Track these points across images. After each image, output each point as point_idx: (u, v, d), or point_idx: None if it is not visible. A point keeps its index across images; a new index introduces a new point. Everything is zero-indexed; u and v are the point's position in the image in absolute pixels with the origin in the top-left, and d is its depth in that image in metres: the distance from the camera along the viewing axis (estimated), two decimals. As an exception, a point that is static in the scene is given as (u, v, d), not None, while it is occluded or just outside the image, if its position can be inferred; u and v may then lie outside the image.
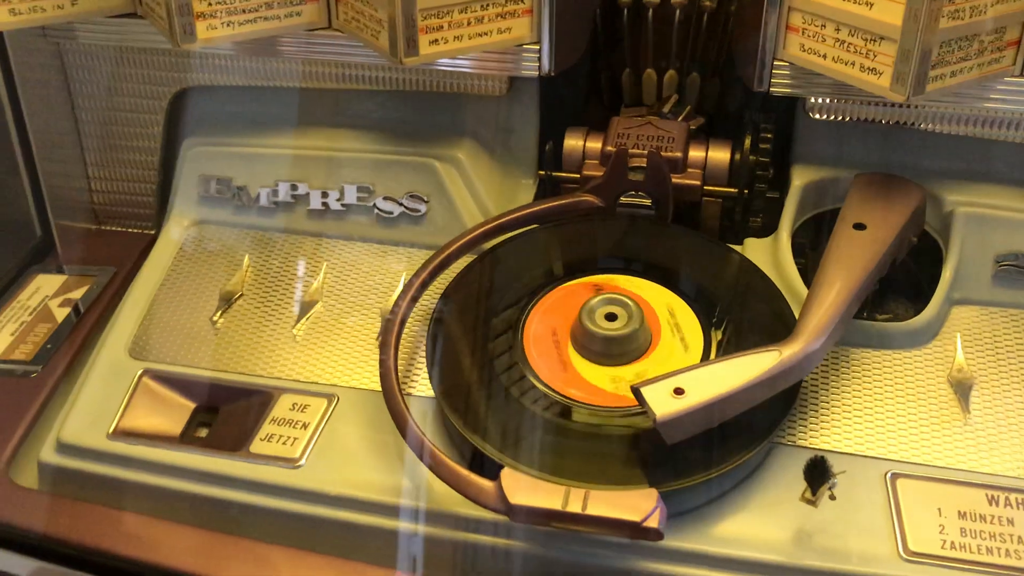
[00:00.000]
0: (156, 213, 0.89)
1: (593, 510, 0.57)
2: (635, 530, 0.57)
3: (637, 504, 0.58)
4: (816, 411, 0.67)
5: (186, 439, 0.69)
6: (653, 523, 0.57)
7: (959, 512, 0.61)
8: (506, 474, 0.60)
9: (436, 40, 0.72)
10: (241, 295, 0.78)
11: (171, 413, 0.71)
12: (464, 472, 0.60)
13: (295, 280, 0.79)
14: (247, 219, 0.83)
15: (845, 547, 0.60)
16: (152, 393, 0.72)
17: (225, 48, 0.80)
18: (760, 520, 0.62)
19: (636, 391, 0.61)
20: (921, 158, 0.76)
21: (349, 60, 0.79)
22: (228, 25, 0.75)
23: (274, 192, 0.82)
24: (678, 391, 0.61)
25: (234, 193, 0.83)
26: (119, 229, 0.91)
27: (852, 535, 0.61)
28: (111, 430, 0.69)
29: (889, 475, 0.63)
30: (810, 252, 0.78)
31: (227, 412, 0.71)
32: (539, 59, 0.76)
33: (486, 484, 0.60)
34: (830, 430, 0.66)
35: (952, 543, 0.60)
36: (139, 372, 0.72)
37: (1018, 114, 0.72)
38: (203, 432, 0.70)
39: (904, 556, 0.60)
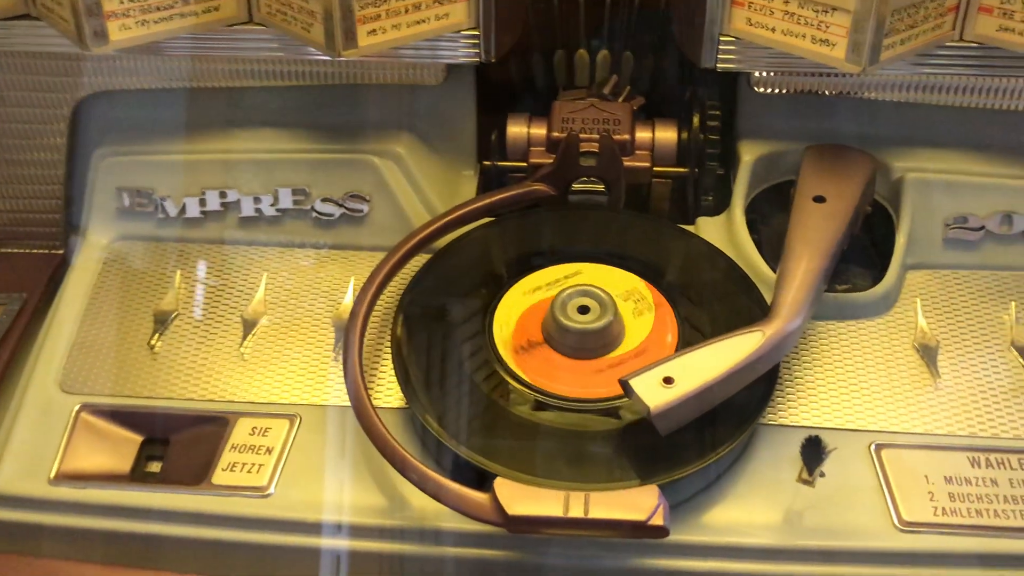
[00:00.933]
0: (63, 231, 0.81)
1: (596, 513, 0.55)
2: (640, 529, 0.55)
3: (639, 502, 0.56)
4: (792, 388, 0.67)
5: (138, 476, 0.64)
6: (658, 520, 0.55)
7: (945, 477, 0.62)
8: (500, 484, 0.57)
9: (375, 30, 0.68)
10: (177, 314, 0.72)
11: (117, 450, 0.65)
12: (454, 486, 0.57)
13: (235, 294, 0.74)
14: (173, 232, 0.77)
15: (842, 524, 0.60)
16: (93, 429, 0.66)
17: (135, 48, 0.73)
18: (756, 505, 0.61)
19: (625, 384, 0.60)
20: (866, 127, 0.76)
21: (274, 56, 0.74)
22: (143, 24, 0.69)
23: (201, 201, 0.76)
24: (667, 380, 0.59)
25: (156, 205, 0.77)
26: (21, 251, 0.83)
27: (847, 511, 0.60)
28: (52, 475, 0.63)
29: (873, 447, 0.63)
30: (762, 227, 0.77)
31: (179, 443, 0.65)
32: (479, 45, 0.73)
33: (479, 496, 0.57)
34: (808, 406, 0.66)
35: (943, 509, 0.60)
36: (75, 408, 0.66)
37: (958, 78, 0.73)
38: (155, 467, 0.65)
39: (900, 527, 0.60)
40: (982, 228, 0.74)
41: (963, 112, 0.75)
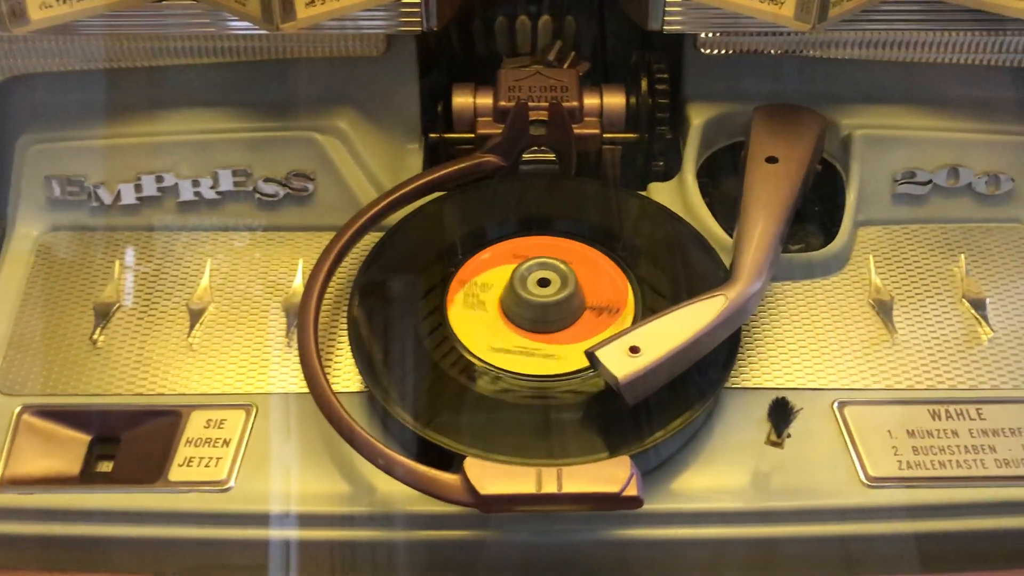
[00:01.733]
0: (-15, 225, 0.77)
1: (570, 488, 0.55)
2: (615, 501, 0.55)
3: (612, 474, 0.55)
4: (753, 350, 0.67)
5: (88, 477, 0.61)
6: (632, 491, 0.55)
7: (908, 431, 0.63)
8: (470, 464, 0.56)
9: (313, 1, 0.66)
10: (119, 306, 0.69)
11: (64, 451, 0.62)
12: (424, 469, 0.56)
13: (178, 283, 0.71)
14: (109, 220, 0.74)
15: (810, 483, 0.60)
16: (37, 431, 0.63)
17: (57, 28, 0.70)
18: (725, 469, 0.61)
19: (591, 355, 0.59)
20: (814, 85, 0.76)
21: (205, 31, 0.71)
22: (64, 2, 0.65)
23: (137, 187, 0.73)
24: (634, 349, 0.59)
25: (89, 193, 0.73)
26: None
27: (814, 470, 0.61)
28: (-4, 481, 0.60)
29: (836, 404, 0.64)
30: (714, 190, 0.77)
31: (131, 441, 0.63)
32: (419, 14, 0.71)
33: (450, 478, 0.56)
34: (770, 367, 0.66)
35: (908, 462, 0.61)
36: (16, 410, 0.63)
37: (904, 34, 0.73)
38: (107, 467, 0.62)
39: (867, 483, 0.60)
40: (930, 182, 0.74)
41: (909, 67, 0.75)
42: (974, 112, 0.76)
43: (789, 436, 0.62)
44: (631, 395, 0.58)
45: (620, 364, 0.58)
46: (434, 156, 0.79)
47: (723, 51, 0.75)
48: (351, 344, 0.64)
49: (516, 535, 0.59)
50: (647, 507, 0.58)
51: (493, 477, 0.55)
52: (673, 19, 0.71)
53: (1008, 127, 0.75)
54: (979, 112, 0.75)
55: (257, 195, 0.74)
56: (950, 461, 0.61)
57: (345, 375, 0.65)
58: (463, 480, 0.55)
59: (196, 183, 0.73)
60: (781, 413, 0.58)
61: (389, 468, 0.57)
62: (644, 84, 0.76)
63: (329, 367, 0.66)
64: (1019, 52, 0.74)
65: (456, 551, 0.59)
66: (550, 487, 0.55)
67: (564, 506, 0.55)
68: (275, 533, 0.59)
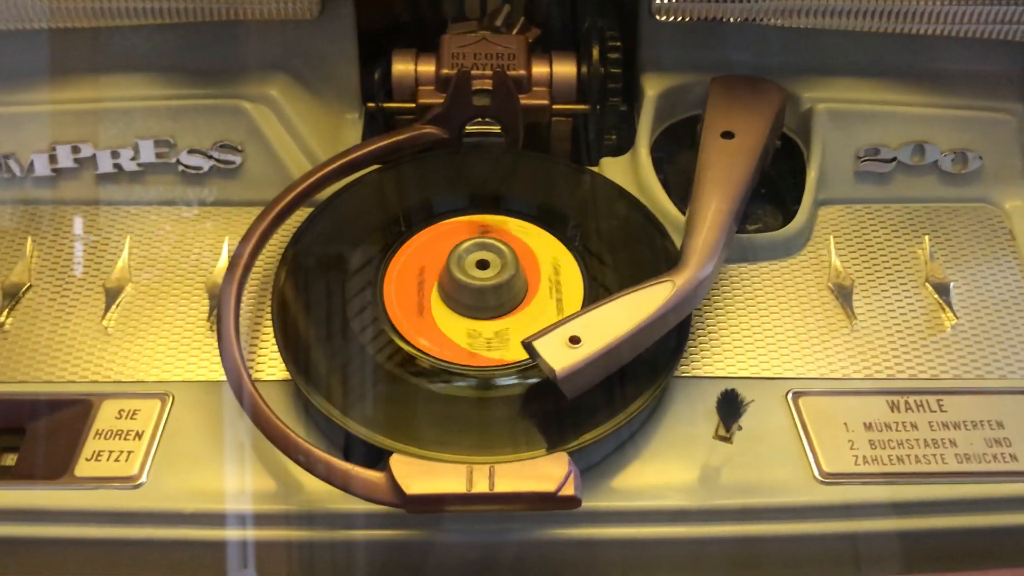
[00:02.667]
0: None
1: (502, 487, 0.51)
2: (551, 501, 0.51)
3: (548, 471, 0.52)
4: (703, 336, 0.63)
5: (-11, 472, 0.57)
6: (569, 490, 0.51)
7: (864, 424, 0.59)
8: (396, 461, 0.52)
9: (235, -42, 0.61)
10: (29, 287, 0.65)
11: (-36, 443, 0.58)
12: (346, 466, 0.52)
13: (94, 261, 0.66)
14: (20, 193, 0.69)
15: (760, 479, 0.57)
16: (-67, 422, 0.58)
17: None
18: (671, 464, 0.57)
19: (528, 346, 0.55)
20: (774, 56, 0.72)
21: (124, -10, 0.66)
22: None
23: (52, 157, 0.68)
24: (573, 340, 0.55)
25: (0, 163, 0.68)
26: None
27: (765, 465, 0.57)
28: None
29: (790, 395, 0.60)
30: (669, 166, 0.73)
31: (36, 432, 0.58)
32: (357, -27, 0.66)
33: (374, 476, 0.52)
34: (721, 355, 0.62)
35: (864, 457, 0.58)
36: (-88, 398, 0.59)
37: (866, 2, 0.69)
38: (11, 460, 0.58)
39: (820, 479, 0.57)
40: (894, 159, 0.71)
41: (874, 38, 0.71)
42: (941, 86, 0.72)
43: (740, 429, 0.58)
44: (570, 388, 0.54)
45: (559, 355, 0.54)
46: (373, 126, 0.74)
47: (679, 18, 0.71)
48: (274, 327, 0.60)
49: (447, 535, 0.55)
50: (588, 505, 0.54)
51: (420, 475, 0.51)
52: (626, -17, 0.67)
53: (977, 102, 0.72)
54: (947, 86, 0.72)
55: (181, 167, 0.69)
56: (909, 456, 0.58)
57: (271, 362, 0.61)
58: (388, 478, 0.51)
59: (115, 154, 0.68)
60: (730, 406, 0.55)
61: (309, 465, 0.53)
62: (596, 52, 0.72)
63: (256, 353, 0.62)
64: (989, 23, 0.70)
65: (384, 552, 0.55)
66: (481, 486, 0.51)
67: (496, 506, 0.52)
68: (189, 533, 0.55)
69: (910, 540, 0.56)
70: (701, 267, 0.58)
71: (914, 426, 0.59)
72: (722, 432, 0.56)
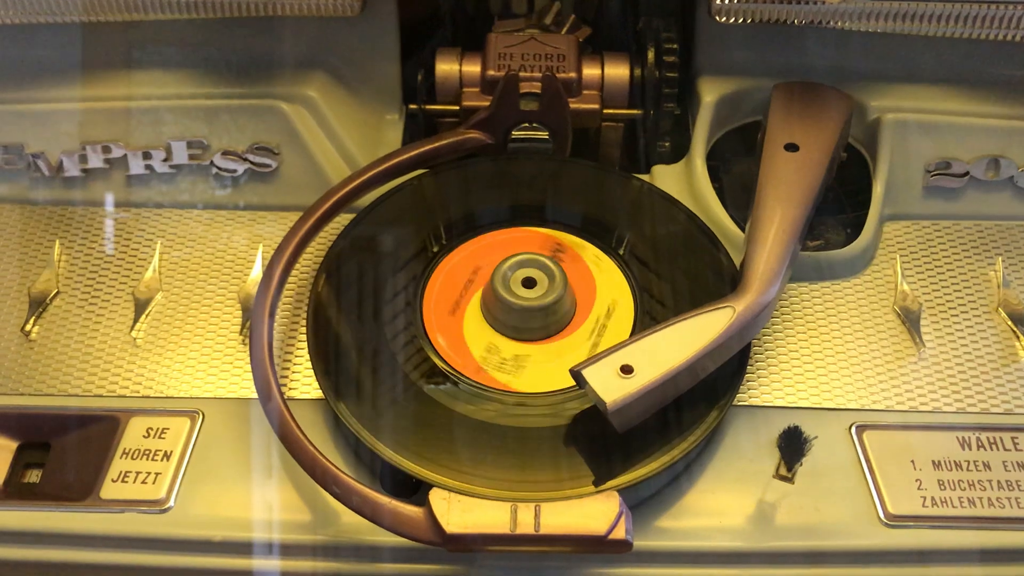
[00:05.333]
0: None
1: (548, 528, 0.48)
2: (600, 544, 0.48)
3: (597, 511, 0.49)
4: (762, 362, 0.60)
5: (13, 488, 0.55)
6: (620, 533, 0.48)
7: (933, 462, 0.56)
8: (436, 496, 0.49)
9: (274, -46, 0.58)
10: (57, 293, 0.62)
11: (-13, 458, 0.56)
12: (382, 500, 0.49)
13: (124, 268, 0.64)
14: (49, 194, 0.67)
15: (821, 520, 0.53)
16: (-43, 436, 0.56)
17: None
18: (725, 501, 0.54)
19: (577, 374, 0.52)
20: (839, 61, 0.68)
21: (159, -16, 0.63)
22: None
23: (82, 157, 0.66)
24: (625, 369, 0.52)
25: (28, 162, 0.66)
26: None
27: (826, 505, 0.54)
28: (-94, 495, 0.54)
29: (854, 428, 0.57)
30: (724, 175, 0.69)
31: (62, 448, 0.56)
32: (400, -32, 0.63)
33: (412, 512, 0.49)
34: (780, 383, 0.59)
35: (933, 499, 0.54)
36: (-66, 410, 0.57)
37: (938, 6, 0.65)
38: (35, 476, 0.56)
39: (885, 521, 0.53)
40: (966, 174, 0.66)
41: (947, 43, 0.67)
42: (1020, 96, 0.67)
43: (800, 464, 0.55)
44: (620, 422, 0.51)
45: (609, 386, 0.51)
46: (415, 129, 0.71)
47: (740, 19, 0.67)
48: (309, 344, 0.57)
49: (483, 571, 0.52)
50: (637, 544, 0.51)
51: (462, 512, 0.49)
52: (685, -19, 0.63)
53: (1057, 115, 0.67)
54: (1024, 96, 0.68)
55: (215, 170, 0.66)
56: (981, 498, 0.54)
57: (306, 379, 0.59)
58: (427, 515, 0.49)
59: (147, 155, 0.66)
60: (793, 444, 0.51)
61: (343, 497, 0.50)
62: (651, 54, 0.68)
63: (290, 370, 0.59)
64: (1075, 29, 0.65)
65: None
66: (526, 526, 0.48)
67: (540, 547, 0.49)
68: (218, 562, 0.52)
69: (981, 590, 0.53)
70: (764, 291, 0.55)
71: (987, 466, 0.56)
72: (783, 471, 0.52)
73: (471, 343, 0.57)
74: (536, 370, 0.56)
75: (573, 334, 0.58)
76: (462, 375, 0.55)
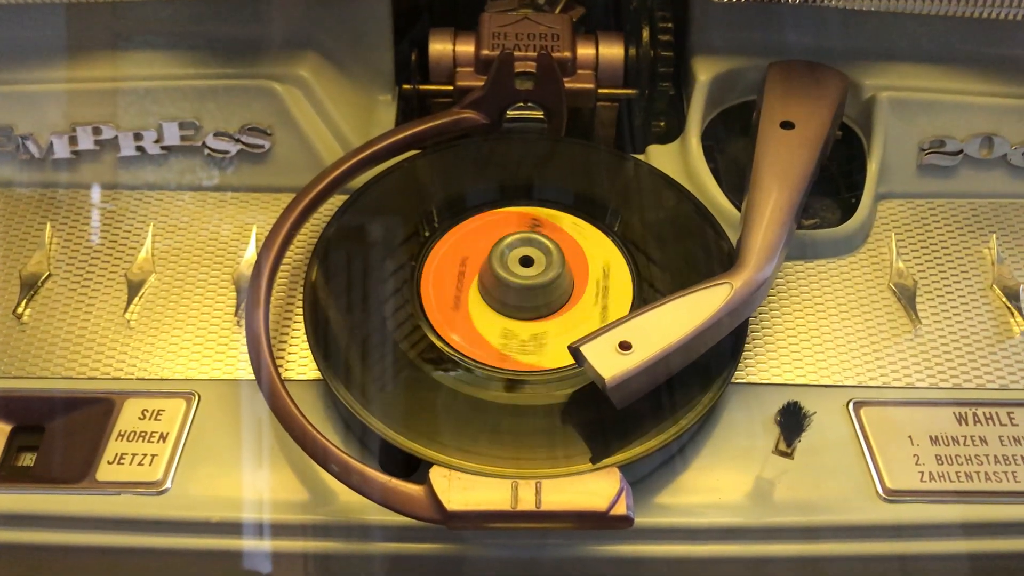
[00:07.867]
0: None
1: (549, 504, 0.48)
2: (601, 520, 0.48)
3: (597, 488, 0.48)
4: (759, 339, 0.60)
5: (7, 472, 0.54)
6: (621, 509, 0.48)
7: (931, 437, 0.56)
8: (436, 474, 0.49)
9: (266, -70, 0.57)
10: (48, 276, 0.62)
11: (-19, 442, 0.55)
12: (382, 479, 0.49)
13: (116, 250, 0.63)
14: (39, 176, 0.66)
15: (819, 496, 0.53)
16: (-52, 419, 0.56)
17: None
18: (724, 478, 0.54)
19: (575, 351, 0.52)
20: (834, 40, 0.68)
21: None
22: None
23: (72, 139, 0.65)
24: (623, 345, 0.51)
25: (17, 144, 0.65)
26: None
27: (824, 480, 0.54)
28: (-102, 478, 0.53)
29: (851, 404, 0.57)
30: (719, 155, 0.69)
31: (56, 431, 0.56)
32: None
33: (413, 490, 0.49)
34: (777, 360, 0.59)
35: (930, 473, 0.54)
36: (-74, 393, 0.56)
37: (933, -19, 0.65)
38: (28, 459, 0.55)
39: (883, 496, 0.53)
40: (960, 152, 0.67)
41: (941, 21, 0.67)
42: (1013, 74, 0.68)
43: (800, 441, 0.55)
44: (620, 398, 0.51)
45: (608, 362, 0.50)
46: (408, 110, 0.71)
47: (734, -2, 0.67)
48: (306, 324, 0.56)
49: (485, 550, 0.52)
50: (637, 521, 0.51)
51: (462, 490, 0.48)
52: (680, -41, 0.63)
53: (1051, 92, 0.67)
54: (1018, 74, 0.68)
55: (207, 151, 0.66)
56: (978, 472, 0.55)
57: (302, 359, 0.58)
58: (428, 492, 0.48)
59: (138, 136, 0.65)
60: (792, 420, 0.51)
61: (343, 476, 0.50)
62: (645, 33, 0.68)
63: (286, 350, 0.59)
64: (1069, 7, 0.65)
65: (418, 566, 0.52)
66: (527, 503, 0.48)
67: (540, 524, 0.49)
68: (215, 543, 0.52)
69: (979, 563, 0.53)
70: (761, 268, 0.55)
71: (983, 440, 0.56)
72: (783, 447, 0.52)
73: (485, 333, 0.56)
74: (558, 344, 0.55)
75: (579, 303, 0.57)
76: (485, 364, 0.55)
